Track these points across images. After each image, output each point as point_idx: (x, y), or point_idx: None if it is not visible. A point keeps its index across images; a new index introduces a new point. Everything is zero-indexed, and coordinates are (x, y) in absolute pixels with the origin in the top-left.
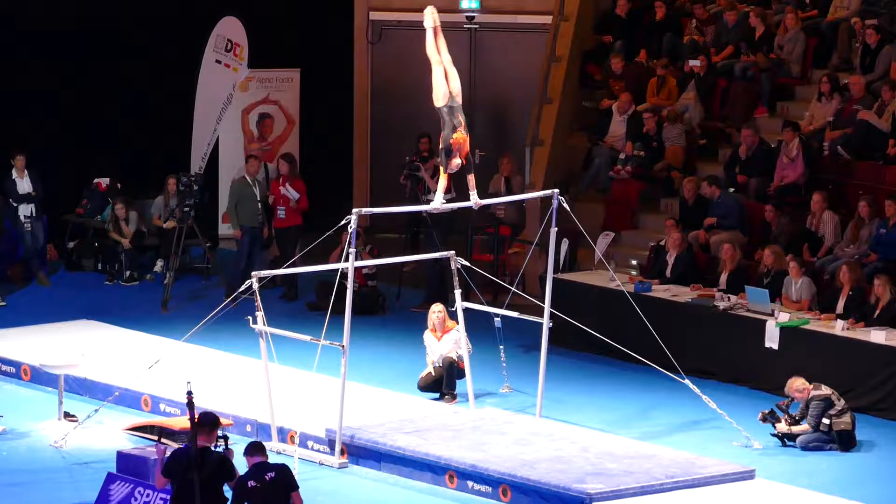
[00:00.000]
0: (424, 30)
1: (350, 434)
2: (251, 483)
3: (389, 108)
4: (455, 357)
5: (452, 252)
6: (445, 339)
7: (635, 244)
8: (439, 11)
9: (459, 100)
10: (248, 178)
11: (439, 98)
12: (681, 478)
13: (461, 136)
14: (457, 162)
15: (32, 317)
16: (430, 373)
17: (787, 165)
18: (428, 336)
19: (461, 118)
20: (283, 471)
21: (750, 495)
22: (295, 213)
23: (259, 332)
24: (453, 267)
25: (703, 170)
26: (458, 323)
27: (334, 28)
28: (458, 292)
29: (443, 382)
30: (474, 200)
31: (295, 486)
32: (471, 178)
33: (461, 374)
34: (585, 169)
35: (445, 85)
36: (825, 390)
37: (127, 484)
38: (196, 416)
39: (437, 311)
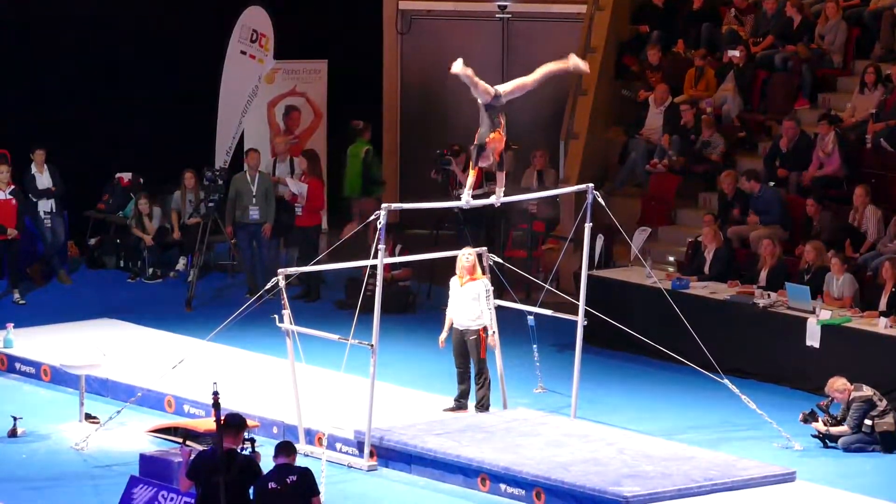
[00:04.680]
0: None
1: (379, 436)
2: (272, 485)
3: (419, 101)
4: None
5: (485, 248)
6: (469, 287)
7: (673, 240)
8: None
9: (504, 100)
10: (247, 171)
11: (482, 94)
12: (719, 480)
13: (498, 136)
14: (489, 161)
15: (53, 316)
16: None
17: (824, 160)
18: (453, 282)
19: (502, 119)
20: (306, 475)
21: (791, 498)
22: (312, 213)
23: (286, 332)
24: (485, 263)
25: (742, 163)
26: (487, 275)
27: (363, 18)
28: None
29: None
30: (497, 198)
31: (316, 492)
32: (500, 176)
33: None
34: (621, 162)
35: (520, 86)
36: (866, 391)
37: (150, 487)
38: (222, 418)
39: (466, 254)
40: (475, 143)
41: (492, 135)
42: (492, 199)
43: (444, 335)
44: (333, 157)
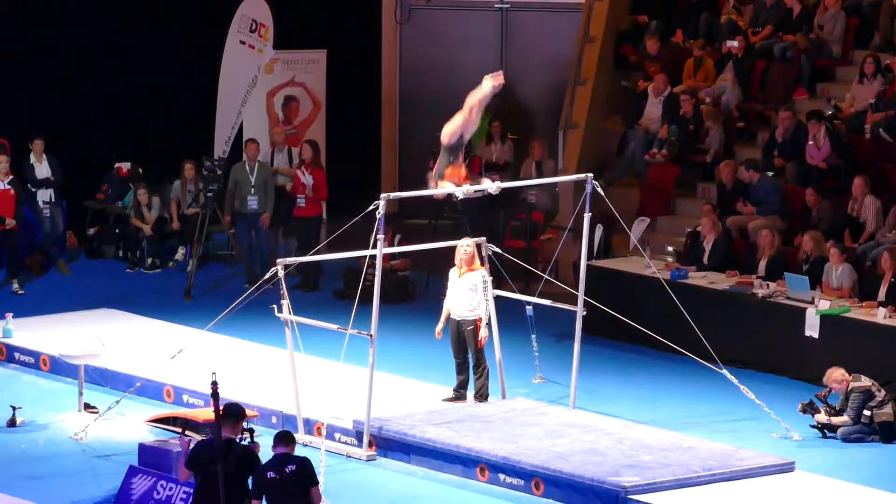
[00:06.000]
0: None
1: (378, 425)
2: (270, 474)
3: (418, 90)
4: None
5: (483, 238)
6: (467, 278)
7: (671, 230)
8: None
9: (464, 141)
10: (246, 161)
11: (448, 136)
12: (718, 470)
13: (454, 171)
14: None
15: (52, 306)
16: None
17: (816, 154)
18: (452, 273)
19: (460, 154)
20: (305, 464)
21: (790, 488)
22: (315, 203)
23: (285, 321)
24: (484, 254)
25: (740, 153)
26: (485, 266)
27: (362, 8)
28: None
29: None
30: (496, 186)
31: (315, 481)
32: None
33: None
34: (620, 153)
35: (459, 127)
36: (865, 382)
37: (149, 477)
38: (220, 408)
39: (465, 244)
40: (434, 174)
41: (448, 170)
42: (490, 187)
43: (440, 326)
44: (331, 147)
